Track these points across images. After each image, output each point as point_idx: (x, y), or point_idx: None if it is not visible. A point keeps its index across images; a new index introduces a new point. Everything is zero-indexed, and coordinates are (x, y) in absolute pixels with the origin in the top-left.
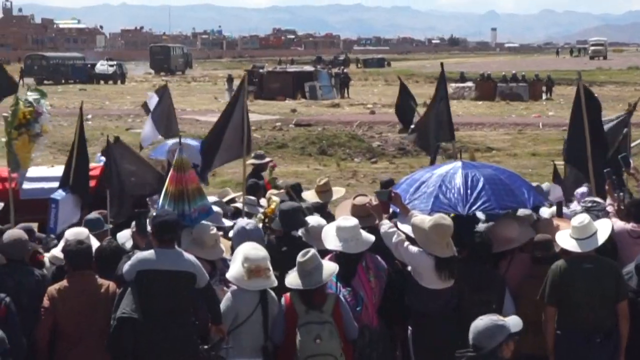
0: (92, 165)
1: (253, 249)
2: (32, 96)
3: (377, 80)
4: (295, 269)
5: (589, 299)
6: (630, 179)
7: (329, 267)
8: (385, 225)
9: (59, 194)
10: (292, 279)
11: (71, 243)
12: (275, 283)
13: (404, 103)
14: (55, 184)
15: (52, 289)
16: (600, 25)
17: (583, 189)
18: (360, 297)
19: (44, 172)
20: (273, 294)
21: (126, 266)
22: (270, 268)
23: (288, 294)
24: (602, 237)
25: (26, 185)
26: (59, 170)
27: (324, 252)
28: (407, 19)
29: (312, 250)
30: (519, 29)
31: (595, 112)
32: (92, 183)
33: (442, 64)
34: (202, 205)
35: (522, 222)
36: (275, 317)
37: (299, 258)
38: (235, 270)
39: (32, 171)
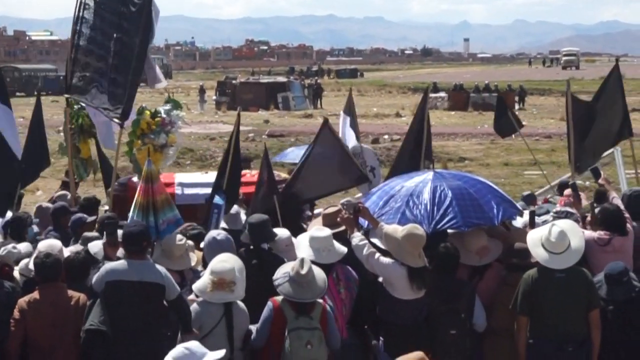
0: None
1: (220, 262)
2: (165, 107)
3: None
4: (285, 277)
5: (560, 308)
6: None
7: (321, 277)
8: (356, 237)
9: (220, 199)
10: (286, 289)
11: (40, 255)
12: (241, 297)
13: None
14: (209, 190)
15: (22, 301)
16: (572, 36)
17: None
18: (330, 307)
19: (199, 179)
20: (242, 305)
21: (95, 277)
22: (237, 281)
23: (276, 299)
24: (577, 250)
25: (181, 191)
26: (212, 176)
27: None
28: (380, 30)
29: (309, 261)
30: (491, 39)
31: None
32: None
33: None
34: (171, 217)
35: (491, 235)
36: (244, 327)
37: (300, 270)
38: (201, 281)
39: (187, 177)
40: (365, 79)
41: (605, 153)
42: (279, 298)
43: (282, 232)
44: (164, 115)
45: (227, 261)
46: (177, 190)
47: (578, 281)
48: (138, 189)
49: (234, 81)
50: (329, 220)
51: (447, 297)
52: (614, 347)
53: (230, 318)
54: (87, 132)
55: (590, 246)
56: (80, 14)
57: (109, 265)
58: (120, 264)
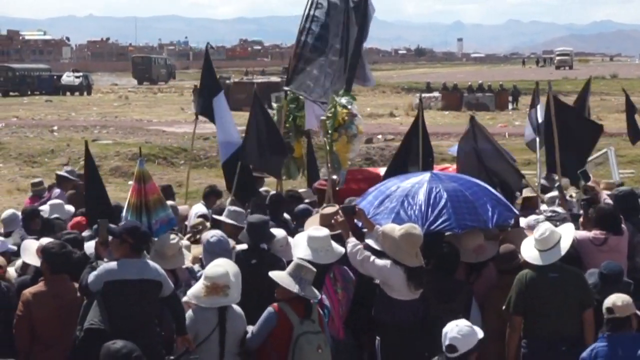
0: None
1: (214, 266)
2: (344, 99)
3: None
4: (288, 275)
5: (554, 308)
6: None
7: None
8: (350, 243)
9: None
10: (299, 288)
11: (54, 246)
12: (236, 300)
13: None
14: None
15: (28, 292)
16: (565, 35)
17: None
18: (327, 308)
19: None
20: (238, 309)
21: (91, 277)
22: (231, 285)
23: (277, 304)
24: (564, 247)
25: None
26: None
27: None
28: (373, 30)
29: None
30: (485, 39)
31: (570, 118)
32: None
33: None
34: (163, 217)
35: (487, 237)
36: (240, 332)
37: (309, 267)
38: (195, 287)
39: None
40: None
41: (598, 154)
42: (280, 303)
43: (278, 233)
44: (349, 107)
45: (220, 265)
46: None
47: (572, 281)
48: (130, 189)
49: (227, 81)
50: (326, 220)
51: (445, 297)
52: None
53: (224, 323)
54: (301, 132)
55: (586, 246)
56: (312, 12)
57: (107, 265)
58: (118, 263)
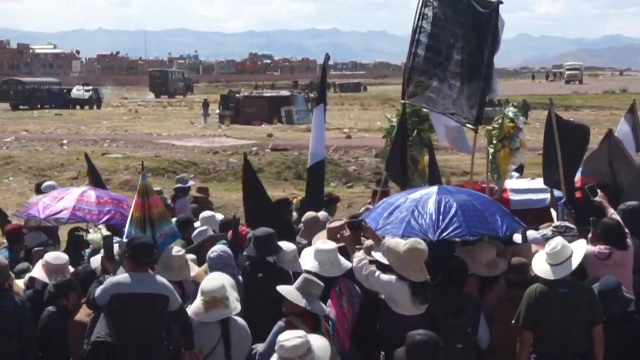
0: None
1: (209, 280)
2: (512, 112)
3: (353, 104)
4: (296, 289)
5: (564, 323)
6: None
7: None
8: (356, 258)
9: (559, 192)
10: (306, 303)
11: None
12: (236, 310)
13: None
14: (542, 195)
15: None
16: (575, 50)
17: None
18: (332, 321)
19: (529, 184)
20: (241, 322)
21: (98, 291)
22: (230, 296)
23: (286, 318)
24: (575, 262)
25: (515, 197)
26: (539, 182)
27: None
28: (383, 44)
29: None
30: None
31: (573, 136)
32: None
33: None
34: (168, 230)
35: (497, 251)
36: (245, 345)
37: (317, 282)
38: (194, 304)
39: (518, 184)
40: (369, 92)
41: None
42: (289, 317)
43: (287, 246)
44: (515, 120)
45: (215, 279)
46: (512, 197)
47: (582, 297)
48: (134, 203)
49: (237, 95)
50: (333, 234)
51: (453, 310)
52: None
53: (228, 336)
54: (425, 145)
55: (590, 261)
56: (420, 23)
57: (114, 278)
58: (124, 277)
